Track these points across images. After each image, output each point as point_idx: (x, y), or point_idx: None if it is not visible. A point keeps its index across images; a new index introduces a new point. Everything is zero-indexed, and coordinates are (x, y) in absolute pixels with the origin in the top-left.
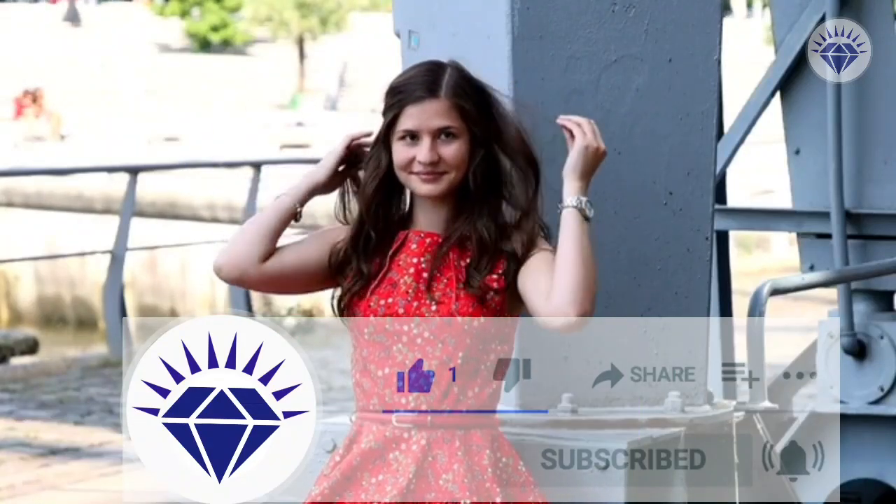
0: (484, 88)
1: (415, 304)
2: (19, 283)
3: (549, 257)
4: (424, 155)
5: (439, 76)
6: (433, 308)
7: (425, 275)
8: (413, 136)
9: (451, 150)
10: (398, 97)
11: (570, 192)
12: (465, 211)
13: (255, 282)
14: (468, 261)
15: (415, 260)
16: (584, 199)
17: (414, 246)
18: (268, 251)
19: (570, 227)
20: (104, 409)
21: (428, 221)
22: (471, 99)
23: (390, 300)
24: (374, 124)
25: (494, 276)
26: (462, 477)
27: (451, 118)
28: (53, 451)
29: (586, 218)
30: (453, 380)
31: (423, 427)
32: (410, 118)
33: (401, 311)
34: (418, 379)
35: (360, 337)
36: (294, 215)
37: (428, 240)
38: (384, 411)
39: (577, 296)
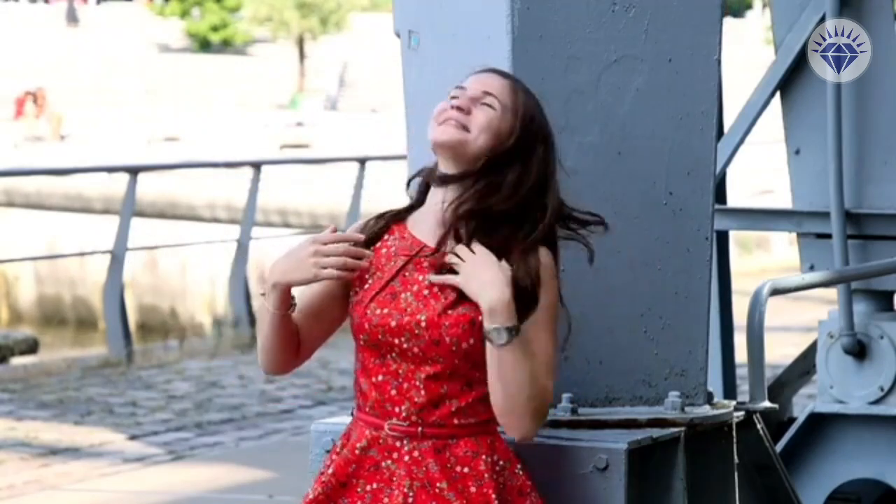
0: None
1: (406, 318)
2: (19, 283)
3: (539, 331)
4: (459, 100)
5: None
6: (423, 325)
7: (426, 293)
8: (457, 91)
9: (483, 114)
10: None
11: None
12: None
13: (306, 358)
14: None
15: (420, 277)
16: (491, 327)
17: (426, 264)
18: (294, 350)
19: (488, 355)
20: (104, 409)
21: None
22: (530, 103)
23: (386, 311)
24: (374, 124)
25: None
26: (456, 485)
27: (501, 92)
28: (53, 451)
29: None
30: (444, 393)
31: (414, 437)
32: (466, 81)
33: (393, 324)
34: (410, 389)
35: (357, 341)
36: (289, 318)
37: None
38: (378, 416)
39: (510, 424)
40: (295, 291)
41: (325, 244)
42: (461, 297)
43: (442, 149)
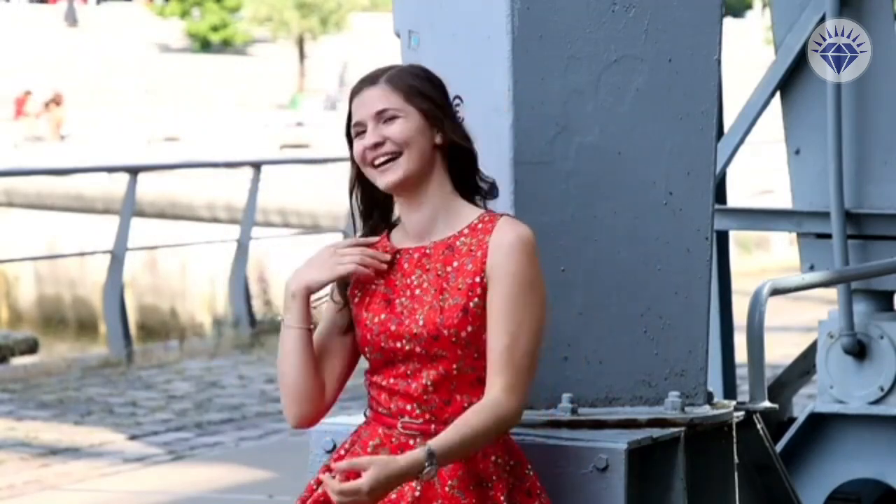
0: (439, 82)
1: (406, 321)
2: (19, 283)
3: (499, 302)
4: (368, 139)
5: (385, 69)
6: (420, 323)
7: (417, 291)
8: (362, 129)
9: (394, 128)
10: (350, 97)
11: None
12: (454, 214)
13: (332, 405)
14: (454, 265)
15: (408, 280)
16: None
17: (406, 265)
18: (319, 387)
19: None
20: (104, 409)
21: (416, 231)
22: (414, 83)
23: (383, 316)
24: None
25: (477, 280)
26: (468, 483)
27: (390, 101)
28: (53, 451)
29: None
30: (453, 389)
31: (428, 436)
32: (355, 111)
33: (393, 328)
34: (418, 389)
35: (363, 352)
36: (310, 338)
37: (416, 255)
38: (391, 416)
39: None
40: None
41: (344, 248)
42: (449, 288)
43: (397, 189)
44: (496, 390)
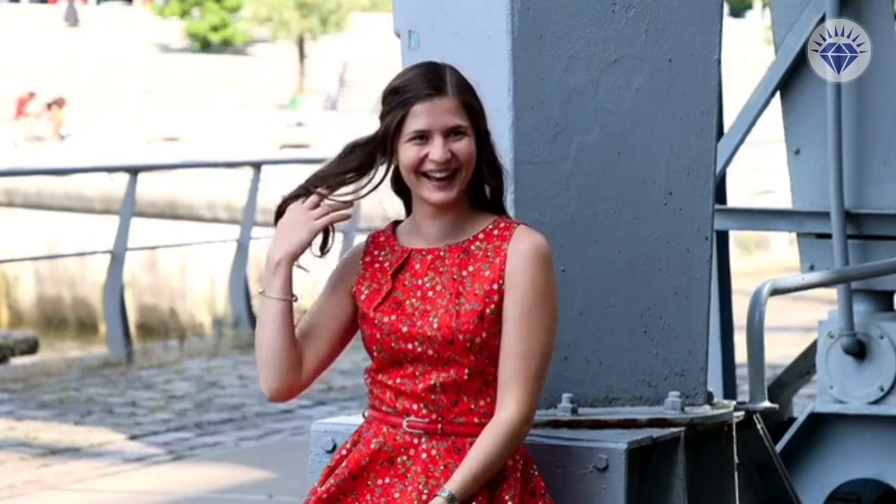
0: (475, 88)
1: (418, 323)
2: (19, 283)
3: (515, 310)
4: (438, 153)
5: (442, 74)
6: (435, 326)
7: (430, 294)
8: (422, 136)
9: (462, 147)
10: (403, 97)
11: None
12: (468, 218)
13: (309, 383)
14: (469, 269)
15: (419, 281)
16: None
17: (418, 266)
18: (296, 362)
19: None
20: (104, 409)
21: (432, 234)
22: (473, 96)
23: (393, 317)
24: (374, 125)
25: (495, 287)
26: None
27: (461, 116)
28: (53, 451)
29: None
30: (462, 393)
31: (434, 435)
32: (419, 118)
33: (404, 329)
34: (426, 389)
35: (371, 352)
36: (291, 310)
37: (429, 257)
38: (395, 414)
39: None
40: (299, 312)
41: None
42: (466, 293)
43: (444, 206)
44: (508, 410)
